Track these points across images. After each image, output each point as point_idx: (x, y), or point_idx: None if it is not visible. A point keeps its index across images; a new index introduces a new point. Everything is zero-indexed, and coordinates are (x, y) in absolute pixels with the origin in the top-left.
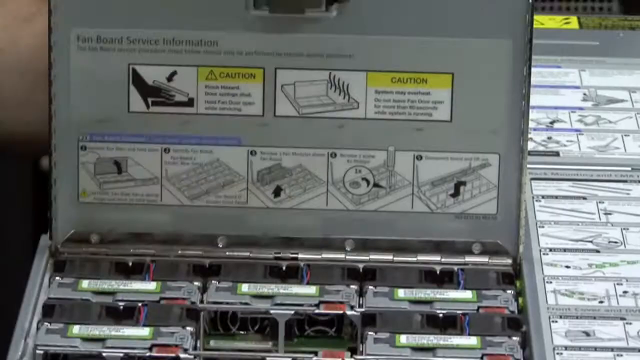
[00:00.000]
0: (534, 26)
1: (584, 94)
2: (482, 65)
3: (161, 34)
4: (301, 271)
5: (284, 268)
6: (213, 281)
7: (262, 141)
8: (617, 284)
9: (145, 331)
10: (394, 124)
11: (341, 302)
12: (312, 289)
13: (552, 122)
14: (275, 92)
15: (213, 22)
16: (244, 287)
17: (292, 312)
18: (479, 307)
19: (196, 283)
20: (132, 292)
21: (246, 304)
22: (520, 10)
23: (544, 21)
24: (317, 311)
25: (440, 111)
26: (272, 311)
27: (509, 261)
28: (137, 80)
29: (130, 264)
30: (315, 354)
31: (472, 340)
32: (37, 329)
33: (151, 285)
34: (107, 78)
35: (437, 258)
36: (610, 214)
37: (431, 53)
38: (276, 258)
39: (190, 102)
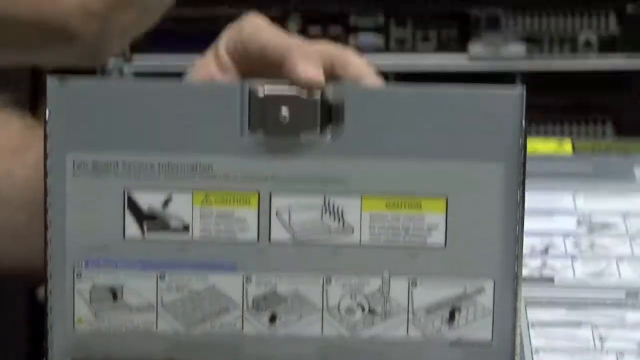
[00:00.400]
0: (528, 150)
1: (578, 219)
2: (475, 189)
3: (156, 159)
4: None
5: None
6: None
7: (258, 267)
8: None
9: None
10: (389, 250)
11: None
12: None
13: (546, 248)
14: (270, 218)
15: (208, 146)
16: None
17: None
18: None
19: None
20: None
21: None
22: (513, 134)
23: (537, 145)
24: None
25: (434, 236)
26: None
27: None
28: (132, 206)
29: None
30: None
31: None
32: None
33: None
34: (103, 204)
35: None
36: (605, 340)
37: (425, 176)
38: None
39: (185, 228)
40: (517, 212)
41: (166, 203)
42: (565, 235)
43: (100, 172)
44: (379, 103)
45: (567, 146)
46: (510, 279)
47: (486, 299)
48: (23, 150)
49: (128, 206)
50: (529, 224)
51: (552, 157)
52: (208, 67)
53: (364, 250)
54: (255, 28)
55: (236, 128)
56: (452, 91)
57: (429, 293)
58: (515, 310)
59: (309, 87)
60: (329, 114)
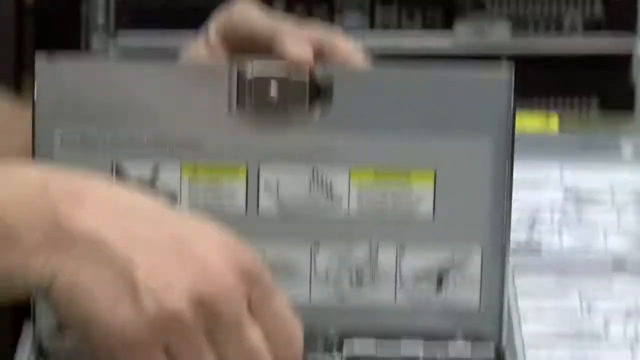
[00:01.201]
0: (516, 125)
1: (565, 190)
2: (464, 162)
3: (144, 134)
4: None
5: None
6: None
7: (246, 237)
8: None
9: None
10: (377, 221)
11: None
12: None
13: (533, 220)
14: (259, 190)
15: (196, 123)
16: None
17: None
18: None
19: None
20: None
21: None
22: (501, 108)
23: (525, 121)
24: None
25: (422, 208)
26: None
27: (492, 354)
28: (121, 179)
29: None
30: None
31: None
32: None
33: None
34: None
35: (419, 350)
36: (592, 307)
37: (413, 149)
38: None
39: (174, 199)
40: (504, 185)
41: (155, 175)
42: (552, 207)
43: (89, 146)
44: (367, 83)
45: (553, 122)
46: (498, 246)
47: (474, 267)
48: (8, 133)
49: (116, 179)
50: (517, 196)
51: (539, 132)
52: (198, 52)
53: (352, 221)
54: (245, 13)
55: (224, 106)
56: (439, 71)
57: (417, 260)
58: (502, 277)
59: (298, 62)
60: (318, 94)
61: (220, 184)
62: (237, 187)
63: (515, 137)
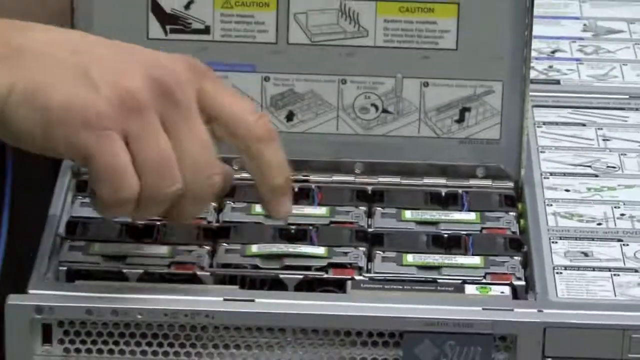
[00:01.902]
0: None
1: (584, 25)
2: None
3: None
4: (312, 193)
5: (296, 189)
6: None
7: (276, 68)
8: (615, 207)
9: (163, 249)
10: (402, 52)
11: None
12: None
13: (553, 52)
14: (289, 21)
15: None
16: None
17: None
18: (482, 229)
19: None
20: None
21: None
22: None
23: None
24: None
25: (446, 40)
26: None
27: (511, 184)
28: (156, 9)
29: None
30: (326, 271)
31: (476, 260)
32: (61, 246)
33: None
34: (128, 6)
35: (442, 181)
36: (608, 140)
37: None
38: None
39: (206, 30)
40: (526, 18)
41: (188, 5)
42: (572, 39)
43: None
44: None
45: None
46: (518, 81)
47: (495, 100)
48: None
49: (152, 9)
50: (537, 29)
51: None
52: None
53: (378, 52)
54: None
55: None
56: None
57: (440, 94)
58: (522, 110)
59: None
60: None
61: (252, 14)
62: (268, 17)
63: None
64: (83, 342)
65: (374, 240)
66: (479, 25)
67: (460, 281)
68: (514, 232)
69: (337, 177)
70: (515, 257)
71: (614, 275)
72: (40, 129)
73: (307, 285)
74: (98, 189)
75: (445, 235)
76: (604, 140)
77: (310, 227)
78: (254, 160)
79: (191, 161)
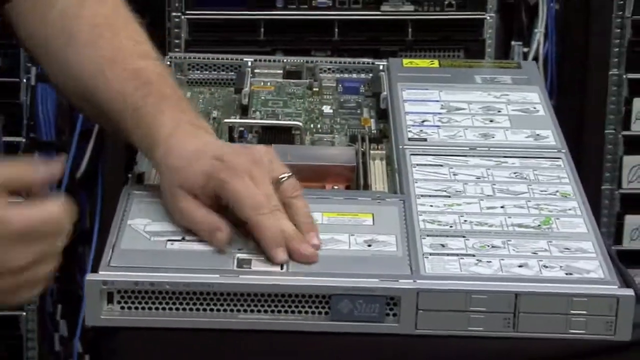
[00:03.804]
0: (411, 65)
1: (441, 105)
2: None
3: None
4: None
5: None
6: None
7: None
8: (460, 216)
9: None
10: None
11: None
12: None
13: (422, 121)
14: None
15: None
16: None
17: None
18: None
19: None
20: None
21: None
22: None
23: (417, 62)
24: None
25: None
26: None
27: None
28: None
29: None
30: None
31: None
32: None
33: None
34: None
35: None
36: (456, 174)
37: None
38: None
39: None
40: None
41: None
42: (434, 114)
43: None
44: None
45: (435, 63)
46: None
47: None
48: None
49: None
50: (412, 107)
51: (426, 68)
52: None
53: None
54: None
55: None
56: None
57: None
58: None
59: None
60: None
61: None
62: None
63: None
64: (132, 302)
65: None
66: None
67: None
68: None
69: None
70: None
71: (460, 258)
72: None
73: None
74: None
75: None
76: (453, 174)
77: None
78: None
79: None
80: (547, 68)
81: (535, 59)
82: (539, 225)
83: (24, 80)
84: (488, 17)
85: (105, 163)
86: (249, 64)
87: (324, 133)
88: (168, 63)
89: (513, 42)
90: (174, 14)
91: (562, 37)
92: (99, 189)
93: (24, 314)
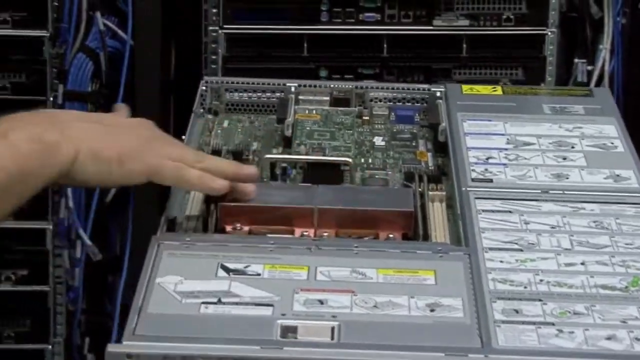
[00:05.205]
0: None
1: (507, 139)
2: None
3: None
4: None
5: None
6: None
7: None
8: (535, 275)
9: None
10: None
11: None
12: None
13: (487, 159)
14: None
15: None
16: None
17: None
18: None
19: None
20: None
21: None
22: None
23: (478, 89)
24: None
25: None
26: None
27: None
28: None
29: None
30: None
31: None
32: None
33: None
34: None
35: None
36: (528, 223)
37: None
38: None
39: None
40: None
41: None
42: (499, 150)
43: None
44: None
45: (498, 90)
46: None
47: None
48: None
49: None
50: (474, 142)
51: (488, 96)
52: None
53: None
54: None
55: None
56: None
57: None
58: None
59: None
60: None
61: None
62: None
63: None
64: None
65: None
66: None
67: None
68: None
69: None
70: None
71: (537, 327)
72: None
73: None
74: None
75: None
76: (524, 223)
77: None
78: None
79: None
80: (612, 88)
81: (600, 77)
82: (627, 287)
83: (51, 99)
84: (549, 33)
85: (136, 186)
86: (292, 89)
87: (375, 169)
88: (204, 88)
89: (576, 60)
90: (210, 28)
91: (629, 53)
92: (129, 213)
93: (50, 347)
